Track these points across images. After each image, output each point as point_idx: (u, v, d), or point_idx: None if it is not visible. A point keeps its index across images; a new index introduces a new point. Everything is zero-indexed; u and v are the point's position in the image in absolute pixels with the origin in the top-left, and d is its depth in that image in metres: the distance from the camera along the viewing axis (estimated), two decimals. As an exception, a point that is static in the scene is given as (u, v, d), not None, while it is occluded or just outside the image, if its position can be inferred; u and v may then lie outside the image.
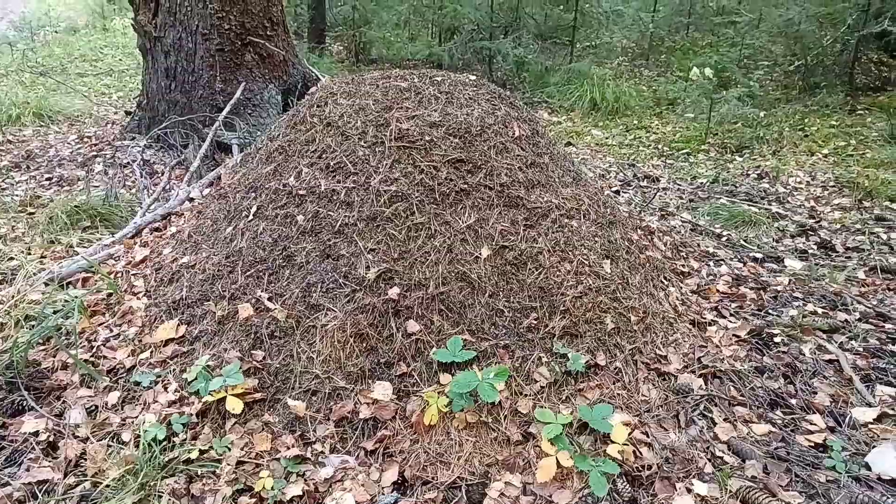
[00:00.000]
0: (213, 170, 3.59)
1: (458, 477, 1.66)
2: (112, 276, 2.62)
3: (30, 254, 2.98)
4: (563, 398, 1.85)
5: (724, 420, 1.92)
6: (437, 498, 1.62)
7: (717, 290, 2.68)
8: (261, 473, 1.69)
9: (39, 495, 1.66)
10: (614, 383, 1.91)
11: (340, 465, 1.72)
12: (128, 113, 5.02)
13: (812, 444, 1.87)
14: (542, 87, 7.85)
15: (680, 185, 4.38)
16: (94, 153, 4.42)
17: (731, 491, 1.65)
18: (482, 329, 1.91)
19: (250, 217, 2.23)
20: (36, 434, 1.87)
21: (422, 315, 1.90)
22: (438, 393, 1.77)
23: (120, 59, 8.54)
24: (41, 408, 1.98)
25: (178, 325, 2.15)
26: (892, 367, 2.24)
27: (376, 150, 2.15)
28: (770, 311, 2.60)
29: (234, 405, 1.78)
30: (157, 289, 2.38)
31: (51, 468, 1.74)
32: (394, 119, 2.20)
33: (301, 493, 1.64)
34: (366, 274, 1.94)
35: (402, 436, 1.75)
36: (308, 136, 2.31)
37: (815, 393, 2.09)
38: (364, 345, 1.88)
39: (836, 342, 2.40)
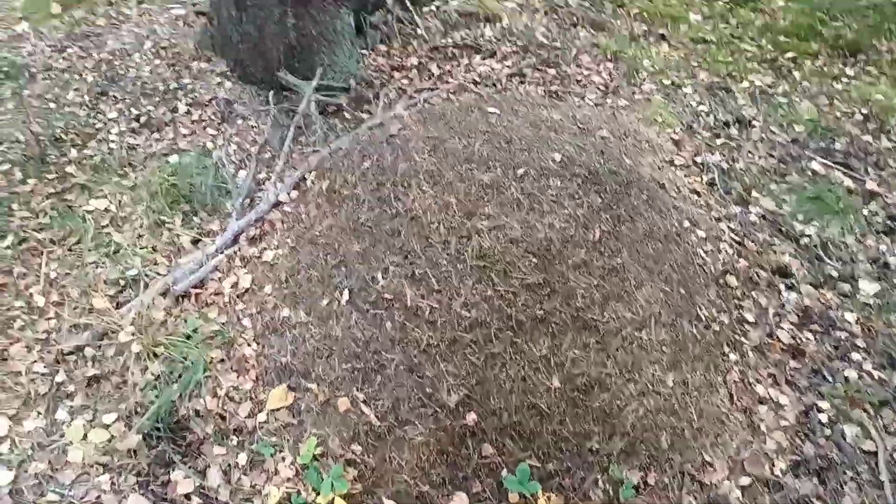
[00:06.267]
0: (297, 139, 3.65)
1: (519, 585, 2.11)
2: (219, 298, 2.96)
3: (142, 247, 3.29)
4: (614, 515, 2.20)
5: (751, 534, 2.25)
6: None
7: (779, 342, 2.79)
8: (366, 562, 2.19)
9: (207, 565, 2.23)
10: (660, 499, 2.23)
11: (426, 557, 2.20)
12: (198, 14, 4.85)
13: (824, 565, 2.19)
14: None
15: (774, 133, 4.09)
16: (175, 77, 4.41)
17: None
18: (548, 454, 2.21)
19: (343, 303, 2.44)
20: (189, 497, 2.40)
21: (495, 439, 2.20)
22: (507, 516, 2.15)
23: None
24: (186, 464, 2.49)
25: (287, 390, 2.52)
26: (926, 463, 2.42)
27: (458, 267, 2.25)
28: (826, 373, 2.72)
29: (342, 508, 2.22)
30: (263, 335, 2.73)
31: (209, 534, 2.29)
32: (475, 231, 2.25)
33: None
34: (447, 399, 2.21)
35: (476, 541, 2.18)
36: (393, 226, 2.40)
37: (843, 496, 2.35)
38: (445, 459, 2.23)
39: (883, 421, 2.56)
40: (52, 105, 4.02)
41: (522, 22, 5.00)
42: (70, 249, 3.25)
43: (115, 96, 4.34)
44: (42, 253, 3.18)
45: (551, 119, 2.75)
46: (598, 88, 4.37)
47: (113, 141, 3.95)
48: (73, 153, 3.84)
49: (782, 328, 2.86)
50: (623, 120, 3.58)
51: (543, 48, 4.72)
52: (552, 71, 4.49)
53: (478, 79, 4.19)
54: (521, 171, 2.37)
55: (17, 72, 4.28)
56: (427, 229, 2.33)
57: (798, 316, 2.93)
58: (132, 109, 4.21)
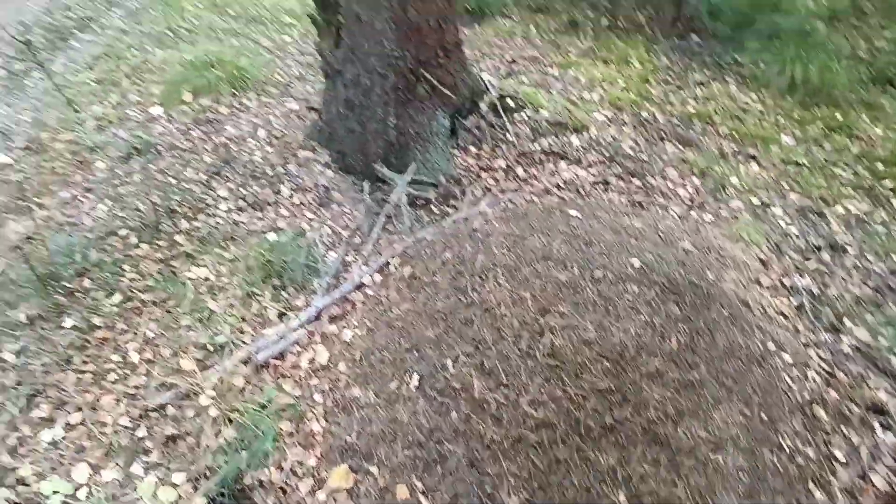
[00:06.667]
0: (386, 227, 3.85)
1: None
2: (296, 371, 3.07)
3: (232, 316, 3.50)
4: None
5: None
6: None
7: (873, 486, 2.56)
8: None
9: None
10: None
11: None
12: (310, 109, 5.31)
13: None
14: (738, 40, 6.96)
15: (870, 262, 3.93)
16: (282, 163, 4.79)
17: None
18: (608, 574, 2.09)
19: (412, 387, 2.48)
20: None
21: (554, 550, 2.11)
22: None
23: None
24: (246, 536, 2.52)
25: (349, 472, 2.54)
26: None
27: (528, 363, 2.26)
28: (926, 526, 2.46)
29: None
30: (332, 411, 2.79)
31: None
32: (548, 329, 2.27)
33: None
34: (507, 500, 2.15)
35: None
36: (467, 316, 2.46)
37: None
38: (501, 564, 2.15)
39: None
40: (172, 180, 4.45)
41: (610, 133, 5.17)
42: (168, 311, 3.50)
43: (227, 176, 4.76)
44: (143, 312, 3.44)
45: (633, 227, 2.79)
46: (684, 202, 4.39)
47: (220, 216, 4.30)
48: (184, 224, 4.20)
49: (876, 471, 2.63)
50: (707, 234, 3.56)
51: (629, 159, 4.83)
52: (637, 181, 4.58)
53: (562, 184, 4.33)
54: (598, 274, 2.40)
55: (147, 149, 4.80)
56: (500, 322, 2.37)
57: (895, 460, 2.70)
58: (241, 189, 4.60)
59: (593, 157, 4.78)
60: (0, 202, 4.17)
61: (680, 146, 5.22)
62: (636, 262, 2.47)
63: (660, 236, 2.85)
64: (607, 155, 4.81)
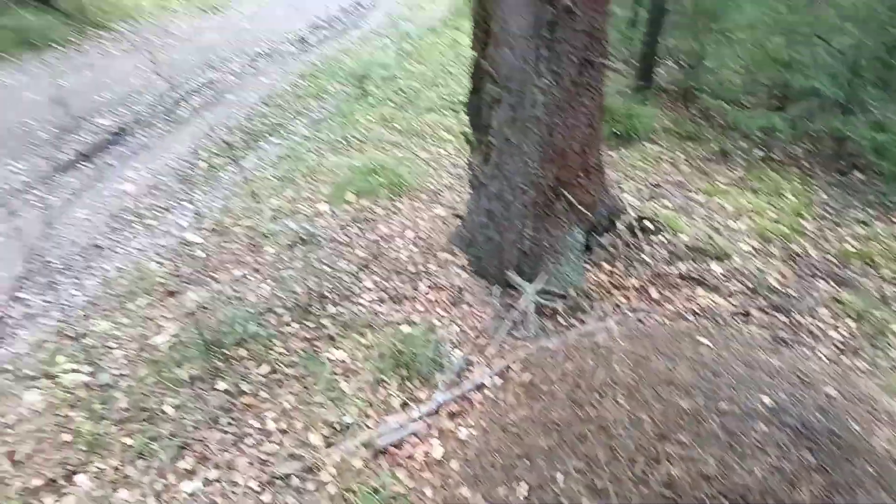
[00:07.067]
0: (511, 332, 3.97)
1: None
2: (410, 462, 3.17)
3: (360, 399, 3.72)
4: None
5: None
6: None
7: None
8: None
9: None
10: None
11: None
12: (454, 215, 5.70)
13: None
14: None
15: None
16: (423, 263, 5.14)
17: None
18: None
19: (520, 496, 2.49)
20: None
21: None
22: None
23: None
24: None
25: (447, 571, 2.55)
26: None
27: (641, 490, 2.21)
28: None
29: None
30: (439, 507, 2.83)
31: None
32: (665, 456, 2.22)
33: None
34: None
35: None
36: (582, 430, 2.46)
37: None
38: None
39: None
40: (326, 268, 4.93)
41: (755, 264, 5.01)
42: (306, 387, 3.80)
43: (374, 270, 5.19)
44: (284, 385, 3.77)
45: (768, 363, 2.68)
46: (834, 345, 4.10)
47: (363, 305, 4.67)
48: (331, 309, 4.60)
49: None
50: (858, 382, 3.28)
51: (775, 293, 4.63)
52: (782, 317, 4.36)
53: (698, 310, 4.23)
54: (724, 406, 2.33)
55: (311, 239, 5.39)
56: (615, 441, 2.35)
57: None
58: (384, 283, 4.97)
59: (735, 286, 4.64)
60: (184, 273, 4.85)
61: (835, 285, 4.92)
62: (767, 400, 2.37)
63: (799, 377, 2.70)
64: (750, 286, 4.65)
